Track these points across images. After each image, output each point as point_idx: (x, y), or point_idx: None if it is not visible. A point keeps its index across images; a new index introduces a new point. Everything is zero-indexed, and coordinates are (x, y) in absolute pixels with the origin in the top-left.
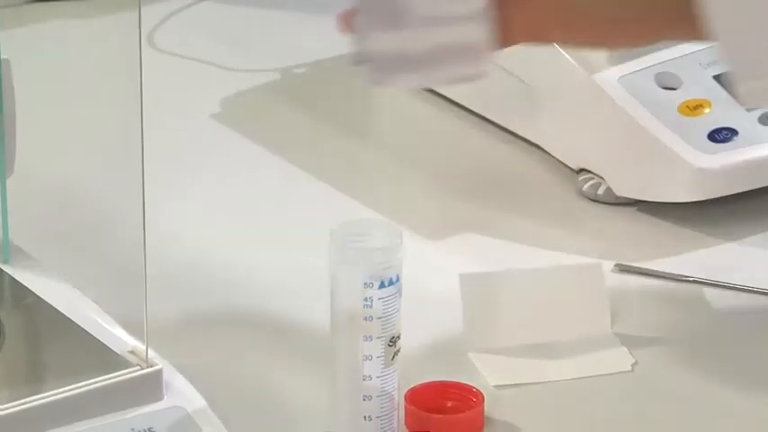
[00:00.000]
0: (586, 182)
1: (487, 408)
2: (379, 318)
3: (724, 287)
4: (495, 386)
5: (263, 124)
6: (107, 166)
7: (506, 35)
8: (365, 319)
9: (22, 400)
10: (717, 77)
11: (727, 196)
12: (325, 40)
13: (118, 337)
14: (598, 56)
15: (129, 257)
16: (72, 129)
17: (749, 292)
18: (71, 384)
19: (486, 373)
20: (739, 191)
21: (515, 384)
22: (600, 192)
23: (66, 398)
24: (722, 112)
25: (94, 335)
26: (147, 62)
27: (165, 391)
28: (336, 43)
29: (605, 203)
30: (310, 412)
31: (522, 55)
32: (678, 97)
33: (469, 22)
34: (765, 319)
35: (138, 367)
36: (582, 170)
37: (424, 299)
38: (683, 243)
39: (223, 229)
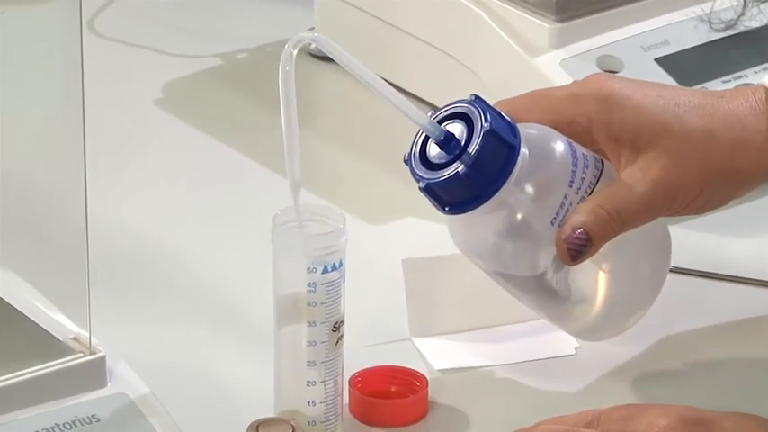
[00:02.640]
0: None
1: (432, 392)
2: (323, 303)
3: (670, 271)
4: (440, 370)
5: (206, 110)
6: (48, 152)
7: None
8: (309, 304)
9: None
10: (658, 60)
11: None
12: (266, 25)
13: (60, 324)
14: (539, 39)
15: (71, 244)
16: (11, 116)
17: (692, 275)
18: (13, 372)
19: (430, 358)
20: None
21: (459, 369)
22: None
23: (8, 385)
24: None
25: (37, 321)
26: (89, 48)
27: (108, 378)
28: (277, 28)
29: None
30: (254, 398)
31: (464, 40)
32: None
33: None
34: (707, 300)
35: (81, 354)
36: None
37: (368, 284)
38: None
39: (165, 215)
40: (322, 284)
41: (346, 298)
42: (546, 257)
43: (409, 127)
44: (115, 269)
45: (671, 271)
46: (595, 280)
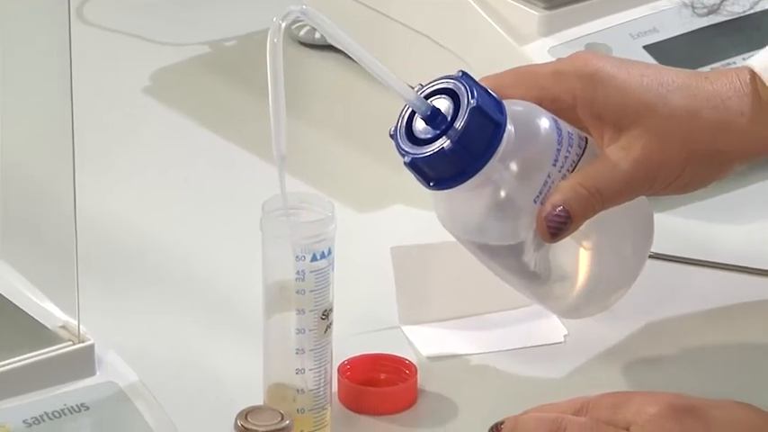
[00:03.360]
0: None
1: (421, 380)
2: (312, 291)
3: (655, 258)
4: (428, 358)
5: (194, 98)
6: (36, 141)
7: None
8: (298, 292)
9: None
10: (647, 47)
11: None
12: (254, 13)
13: (49, 313)
14: (528, 27)
15: (60, 232)
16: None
17: (679, 263)
18: (1, 360)
19: (419, 346)
20: None
21: (448, 356)
22: None
23: None
24: None
25: (25, 310)
26: (77, 36)
27: (97, 367)
28: (266, 16)
29: None
30: (243, 386)
31: (453, 27)
32: None
33: None
34: (696, 288)
35: (70, 342)
36: None
37: (357, 272)
38: None
39: (154, 203)
40: (311, 272)
41: (335, 286)
42: (527, 233)
43: (397, 114)
44: (104, 258)
45: (657, 258)
46: (577, 258)
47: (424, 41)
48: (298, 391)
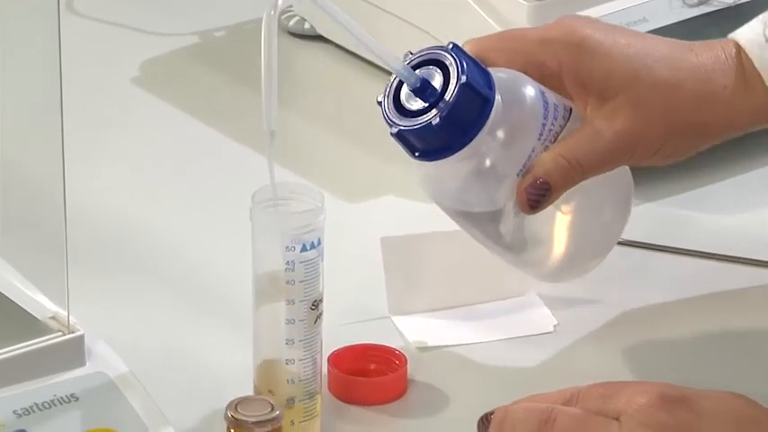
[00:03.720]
0: None
1: (410, 370)
2: (302, 281)
3: (646, 248)
4: (418, 348)
5: (183, 88)
6: (26, 131)
7: None
8: (287, 282)
9: None
10: None
11: None
12: (243, 3)
13: (39, 303)
14: (518, 17)
15: (49, 223)
16: None
17: (670, 253)
18: None
19: (409, 336)
20: None
21: (438, 346)
22: None
23: None
24: None
25: (15, 301)
26: (66, 27)
27: (87, 357)
28: (255, 6)
29: None
30: (233, 377)
31: (443, 17)
32: None
33: None
34: (686, 278)
35: (60, 333)
36: None
37: (346, 262)
38: None
39: (144, 193)
40: (300, 263)
41: (325, 276)
42: (508, 201)
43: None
44: (94, 249)
45: (645, 247)
46: (557, 224)
47: (414, 32)
48: (287, 381)
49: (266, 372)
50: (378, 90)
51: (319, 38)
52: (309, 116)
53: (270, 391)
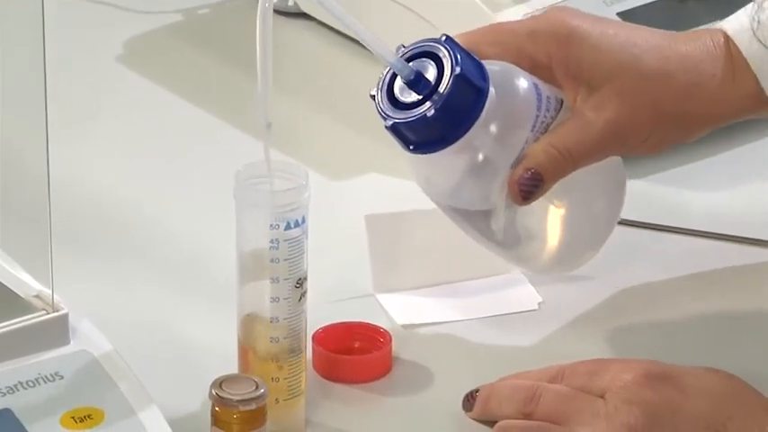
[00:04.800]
0: None
1: (395, 348)
2: (286, 259)
3: (630, 225)
4: (403, 326)
5: (167, 66)
6: (9, 109)
7: None
8: (272, 261)
9: None
10: (621, 14)
11: None
12: None
13: (23, 282)
14: None
15: (33, 201)
16: None
17: (658, 231)
18: None
19: (394, 314)
20: None
21: (423, 324)
22: None
23: None
24: None
25: None
26: (49, 5)
27: (71, 336)
28: None
29: None
30: (218, 355)
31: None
32: None
33: None
34: (671, 254)
35: (44, 312)
36: None
37: (331, 240)
38: None
39: (128, 171)
40: (285, 241)
41: (309, 254)
42: (501, 196)
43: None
44: (78, 227)
45: (631, 225)
46: (550, 218)
47: (398, 9)
48: (273, 360)
49: (249, 312)
50: (362, 67)
51: (303, 15)
52: (293, 94)
53: (253, 334)
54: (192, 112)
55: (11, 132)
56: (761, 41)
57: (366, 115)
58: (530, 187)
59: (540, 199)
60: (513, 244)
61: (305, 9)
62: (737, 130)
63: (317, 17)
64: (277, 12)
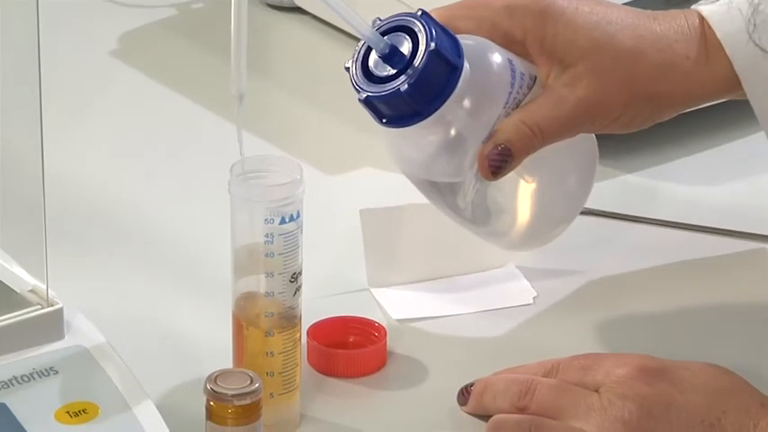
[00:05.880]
0: None
1: (390, 342)
2: (281, 254)
3: (624, 219)
4: (398, 320)
5: (162, 60)
6: (3, 104)
7: None
8: (266, 255)
9: None
10: None
11: None
12: None
13: (18, 277)
14: None
15: (28, 196)
16: None
17: (650, 224)
18: None
19: (388, 308)
20: None
21: (417, 318)
22: None
23: None
24: None
25: None
26: None
27: (66, 330)
28: None
29: None
30: (213, 350)
31: None
32: None
33: None
34: (665, 249)
35: (39, 306)
36: None
37: (325, 234)
38: None
39: (123, 166)
40: (279, 235)
41: (304, 249)
42: (471, 170)
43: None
44: (73, 222)
45: (618, 218)
46: (521, 192)
47: None
48: (267, 353)
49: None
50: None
51: (297, 9)
52: (288, 88)
53: (249, 311)
54: (186, 106)
55: (5, 127)
56: (735, 23)
57: (360, 109)
58: (499, 162)
59: (511, 174)
60: (483, 219)
61: (299, 3)
62: (715, 125)
63: (311, 11)
64: (271, 6)
